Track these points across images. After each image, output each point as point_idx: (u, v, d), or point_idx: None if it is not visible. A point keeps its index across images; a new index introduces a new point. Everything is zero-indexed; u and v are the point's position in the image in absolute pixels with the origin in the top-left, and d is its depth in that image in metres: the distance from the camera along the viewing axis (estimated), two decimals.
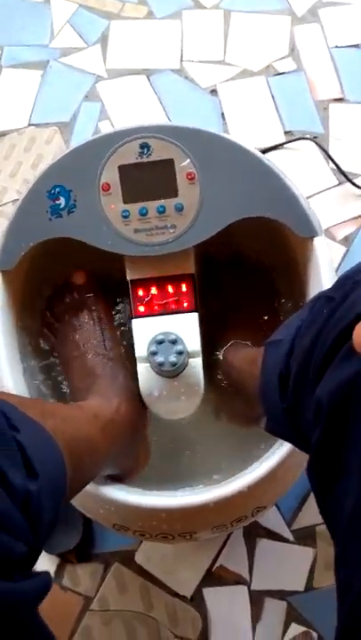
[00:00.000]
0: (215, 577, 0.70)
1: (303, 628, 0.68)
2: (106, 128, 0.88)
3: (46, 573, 0.27)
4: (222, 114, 0.89)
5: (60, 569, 0.70)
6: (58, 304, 0.58)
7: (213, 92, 0.90)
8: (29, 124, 0.89)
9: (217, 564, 0.70)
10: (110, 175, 0.50)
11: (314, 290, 0.52)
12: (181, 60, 0.92)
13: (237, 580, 0.70)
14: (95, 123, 0.89)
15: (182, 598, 0.69)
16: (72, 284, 0.59)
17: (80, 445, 0.39)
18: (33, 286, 0.58)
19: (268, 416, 0.40)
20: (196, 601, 0.69)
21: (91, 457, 0.41)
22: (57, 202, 0.50)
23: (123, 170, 0.50)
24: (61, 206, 0.51)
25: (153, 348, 0.49)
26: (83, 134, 0.88)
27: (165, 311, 0.53)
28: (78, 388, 0.54)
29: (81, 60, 0.92)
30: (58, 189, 0.50)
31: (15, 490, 0.27)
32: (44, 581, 0.27)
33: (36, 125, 0.89)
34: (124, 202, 0.51)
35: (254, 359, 0.43)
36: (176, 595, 0.69)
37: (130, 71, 0.91)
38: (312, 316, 0.34)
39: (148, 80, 0.91)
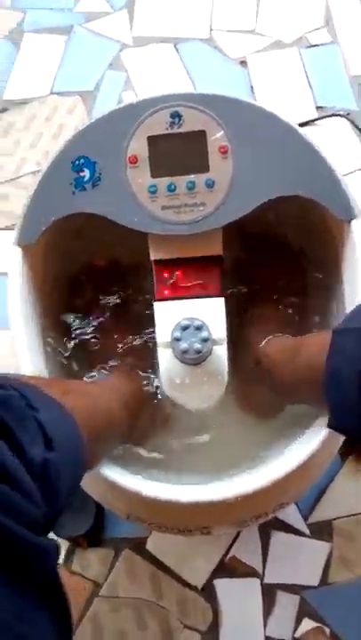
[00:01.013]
0: (227, 568, 0.68)
1: (316, 624, 0.67)
2: (129, 99, 0.84)
3: (54, 540, 0.28)
4: (251, 86, 0.84)
5: (69, 553, 0.69)
6: (79, 285, 0.56)
7: (243, 63, 0.86)
8: (51, 93, 0.86)
9: (230, 555, 0.68)
10: (138, 146, 0.47)
11: (350, 276, 0.49)
12: (211, 29, 0.87)
13: (250, 573, 0.68)
14: (119, 92, 0.85)
15: (193, 588, 0.68)
16: (94, 264, 0.56)
17: (98, 418, 0.40)
18: (52, 264, 0.55)
19: (336, 411, 0.38)
20: (207, 592, 0.67)
21: (110, 428, 0.42)
22: (81, 174, 0.47)
23: (152, 141, 0.46)
24: (86, 179, 0.47)
25: (177, 334, 0.47)
26: (106, 104, 0.84)
27: (190, 295, 0.50)
28: (100, 367, 0.54)
29: (106, 26, 0.88)
30: (82, 161, 0.47)
31: (33, 461, 0.28)
32: (56, 544, 0.28)
33: (59, 94, 0.86)
34: (152, 176, 0.47)
35: (295, 349, 0.41)
36: (187, 584, 0.68)
37: (157, 39, 0.87)
38: None
39: (176, 49, 0.86)
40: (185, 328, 0.47)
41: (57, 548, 0.27)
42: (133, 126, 0.46)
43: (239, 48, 0.86)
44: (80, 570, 0.68)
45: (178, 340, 0.47)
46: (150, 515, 0.47)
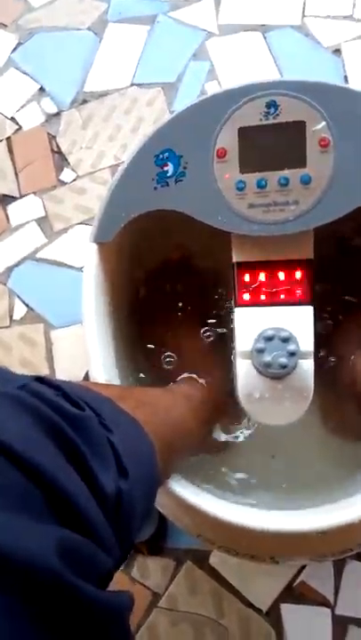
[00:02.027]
0: (296, 593, 0.64)
1: None
2: (213, 90, 0.80)
3: (129, 593, 0.26)
4: (345, 77, 0.78)
5: (130, 559, 0.67)
6: (153, 285, 0.53)
7: (337, 51, 0.79)
8: (132, 84, 0.83)
9: (299, 580, 0.64)
10: (228, 139, 0.43)
11: None
12: (303, 15, 0.82)
13: (320, 601, 0.63)
14: (202, 84, 0.81)
15: (257, 610, 0.64)
16: (169, 265, 0.53)
17: (171, 431, 0.39)
18: (125, 262, 0.53)
19: None
20: (272, 616, 0.63)
21: (182, 440, 0.41)
22: (165, 168, 0.44)
23: (243, 133, 0.43)
24: (169, 173, 0.44)
25: (260, 345, 0.43)
26: (187, 96, 0.81)
27: (274, 302, 0.46)
28: (170, 371, 0.52)
29: (191, 14, 0.84)
30: (167, 154, 0.44)
31: (106, 493, 0.26)
32: (129, 596, 0.25)
33: (139, 85, 0.83)
34: (241, 171, 0.43)
35: None
36: (250, 605, 0.64)
37: (244, 27, 0.82)
38: None
39: (264, 37, 0.81)
40: (269, 339, 0.43)
41: (131, 600, 0.25)
42: (224, 117, 0.43)
43: (334, 35, 0.80)
44: (140, 577, 0.66)
45: (261, 351, 0.43)
46: (226, 540, 0.43)
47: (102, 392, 0.32)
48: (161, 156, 0.44)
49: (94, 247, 0.48)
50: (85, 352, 0.48)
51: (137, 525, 0.29)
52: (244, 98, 0.42)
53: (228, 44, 0.82)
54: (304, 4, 0.82)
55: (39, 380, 0.28)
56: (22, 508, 0.21)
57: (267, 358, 0.42)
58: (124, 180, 0.45)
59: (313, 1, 0.82)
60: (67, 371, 0.75)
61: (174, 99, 0.82)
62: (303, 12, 0.82)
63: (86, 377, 0.72)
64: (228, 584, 0.65)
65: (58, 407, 0.26)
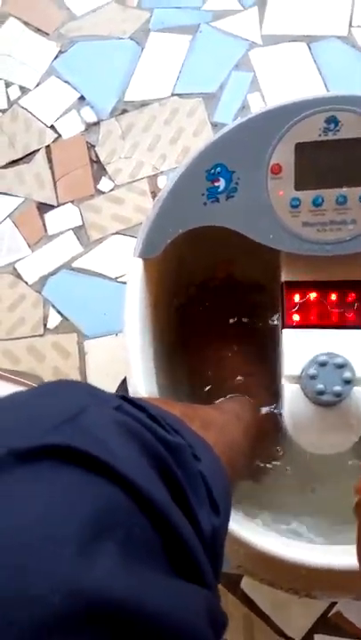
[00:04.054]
0: (331, 624, 0.61)
1: None
2: (256, 101, 0.79)
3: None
4: None
5: None
6: (197, 299, 0.52)
7: None
8: (172, 94, 0.83)
9: (334, 610, 0.61)
10: (283, 155, 0.41)
11: None
12: (350, 26, 0.80)
13: (356, 634, 0.60)
14: (244, 95, 0.80)
15: None
16: (214, 279, 0.52)
17: (233, 453, 0.37)
18: (168, 276, 0.52)
19: None
20: None
21: (238, 462, 0.39)
22: (216, 184, 0.43)
23: (300, 149, 0.41)
24: (220, 189, 0.43)
25: (312, 371, 0.41)
26: (229, 107, 0.80)
27: (326, 324, 0.44)
28: (213, 386, 0.51)
29: (235, 24, 0.83)
30: (219, 169, 0.43)
31: (204, 534, 0.25)
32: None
33: (180, 95, 0.82)
34: (296, 188, 0.42)
35: None
36: (283, 634, 0.62)
37: (288, 38, 0.81)
38: None
39: (309, 48, 0.80)
40: (322, 365, 0.41)
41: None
42: (280, 132, 0.41)
43: None
44: None
45: (313, 378, 0.41)
46: (264, 571, 0.41)
47: (170, 410, 0.31)
48: (212, 171, 0.43)
49: (139, 262, 0.47)
50: (126, 364, 0.47)
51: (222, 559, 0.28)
52: (302, 113, 0.41)
53: (271, 55, 0.81)
54: (351, 14, 0.80)
55: (124, 398, 0.27)
56: (151, 558, 0.20)
57: (319, 386, 0.40)
58: (173, 194, 0.44)
59: None
60: (99, 382, 0.73)
61: (215, 109, 0.80)
62: (350, 22, 0.80)
63: (119, 388, 0.71)
64: (260, 610, 0.63)
65: (159, 436, 0.25)
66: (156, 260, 0.47)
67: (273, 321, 0.51)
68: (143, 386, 0.45)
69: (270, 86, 0.79)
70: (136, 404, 0.27)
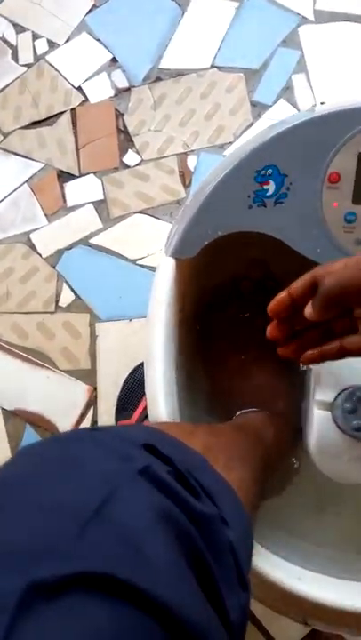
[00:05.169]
0: (321, 638, 0.61)
1: None
2: (301, 83, 0.74)
3: None
4: None
5: None
6: (226, 303, 0.49)
7: None
8: (212, 66, 0.77)
9: None
10: (344, 163, 0.38)
11: None
12: None
13: None
14: (289, 74, 0.74)
15: None
16: (244, 283, 0.49)
17: (255, 489, 0.36)
18: (198, 276, 0.48)
19: None
20: None
21: (258, 496, 0.37)
22: (265, 186, 0.39)
23: None
24: (269, 193, 0.39)
25: (348, 406, 0.38)
26: (271, 86, 0.75)
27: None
28: (233, 397, 0.48)
29: None
30: (270, 171, 0.39)
31: (230, 618, 0.24)
32: None
33: (219, 68, 0.77)
34: (354, 201, 0.38)
35: None
36: None
37: (343, 16, 0.75)
38: None
39: None
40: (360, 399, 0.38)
41: None
42: (343, 139, 0.37)
43: None
44: None
45: (351, 412, 0.38)
46: (280, 604, 0.40)
47: (191, 444, 0.30)
48: (263, 172, 0.39)
49: (171, 262, 0.43)
50: (147, 362, 0.44)
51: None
52: None
53: (323, 34, 0.75)
54: None
55: (149, 449, 0.26)
56: None
57: (356, 422, 0.38)
58: (215, 192, 0.40)
59: None
60: (109, 368, 0.71)
61: (256, 88, 0.75)
62: None
63: (129, 377, 0.69)
64: (254, 617, 0.62)
65: (189, 507, 0.24)
66: (188, 260, 0.43)
67: None
68: (162, 385, 0.42)
69: (318, 68, 0.74)
70: (161, 454, 0.26)
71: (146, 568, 0.20)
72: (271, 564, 0.39)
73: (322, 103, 0.40)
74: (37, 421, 0.71)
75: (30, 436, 0.71)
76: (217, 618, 0.23)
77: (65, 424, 0.70)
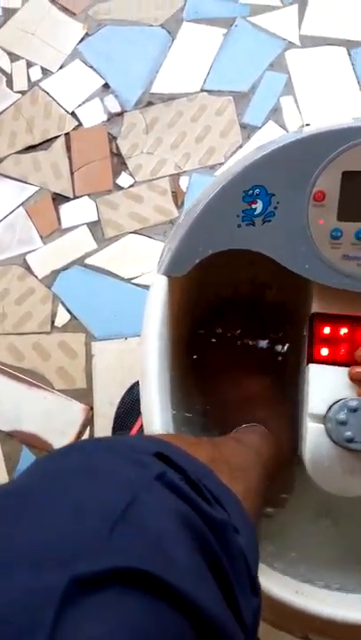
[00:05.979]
0: None
1: None
2: (289, 105, 0.76)
3: None
4: None
5: None
6: (218, 320, 0.49)
7: None
8: (202, 90, 0.79)
9: None
10: (328, 182, 0.39)
11: None
12: None
13: None
14: (277, 97, 0.76)
15: None
16: (237, 300, 0.49)
17: (257, 500, 0.37)
18: (190, 293, 0.49)
19: None
20: None
21: (260, 507, 0.38)
22: (253, 206, 0.40)
23: (348, 178, 0.38)
24: (257, 212, 0.40)
25: (341, 417, 0.38)
26: (260, 108, 0.77)
27: (356, 362, 0.42)
28: (228, 413, 0.49)
29: (272, 21, 0.79)
30: (257, 191, 0.40)
31: (246, 622, 0.25)
32: None
33: (209, 92, 0.79)
34: (339, 218, 0.39)
35: None
36: None
37: (327, 40, 0.77)
38: None
39: (348, 54, 0.76)
40: (354, 410, 0.38)
41: None
42: (327, 158, 0.38)
43: None
44: None
45: (342, 424, 0.38)
46: (282, 620, 0.40)
47: (196, 455, 0.30)
48: (250, 192, 0.40)
49: (163, 280, 0.44)
50: (141, 387, 0.44)
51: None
52: (353, 140, 0.38)
53: (308, 57, 0.77)
54: None
55: (161, 457, 0.26)
56: None
57: (348, 433, 0.38)
58: (205, 212, 0.41)
59: None
60: (105, 387, 0.71)
61: (245, 110, 0.77)
62: None
63: (126, 395, 0.69)
64: None
65: (204, 513, 0.25)
66: (181, 277, 0.44)
67: (298, 351, 0.49)
68: (157, 402, 0.43)
69: (305, 91, 0.76)
70: (174, 462, 0.26)
71: (174, 567, 0.21)
72: (269, 579, 0.39)
73: (307, 125, 0.41)
74: (34, 442, 0.71)
75: (28, 457, 0.71)
76: (235, 621, 0.24)
77: (62, 444, 0.70)
